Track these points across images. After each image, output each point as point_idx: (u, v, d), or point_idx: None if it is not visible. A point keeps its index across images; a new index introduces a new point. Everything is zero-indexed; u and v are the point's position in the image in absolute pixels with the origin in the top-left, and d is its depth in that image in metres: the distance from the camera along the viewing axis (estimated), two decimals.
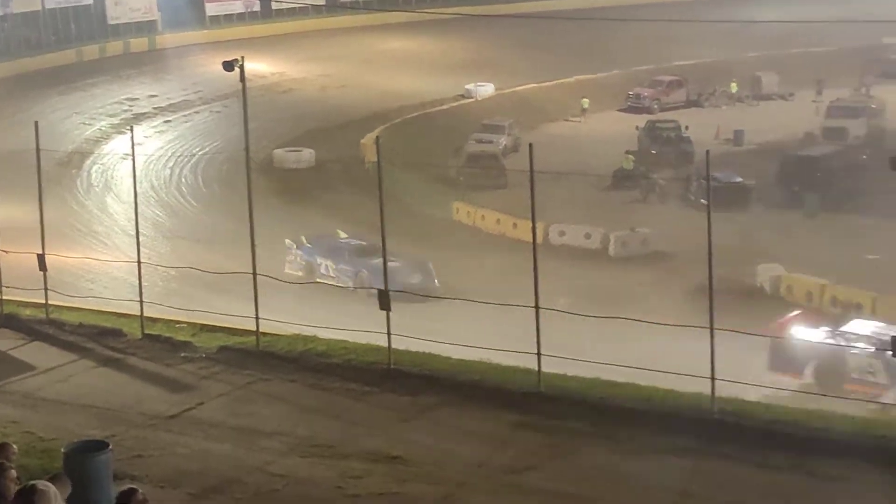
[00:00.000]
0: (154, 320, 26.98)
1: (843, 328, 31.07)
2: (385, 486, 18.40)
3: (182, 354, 24.99)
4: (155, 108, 72.43)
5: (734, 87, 79.60)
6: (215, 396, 22.78)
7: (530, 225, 23.36)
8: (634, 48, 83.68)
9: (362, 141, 60.65)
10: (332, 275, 41.41)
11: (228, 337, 25.82)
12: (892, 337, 19.81)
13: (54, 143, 45.93)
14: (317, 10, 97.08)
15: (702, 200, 39.73)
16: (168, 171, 58.57)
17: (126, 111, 71.11)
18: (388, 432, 20.78)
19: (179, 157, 61.03)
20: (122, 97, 74.18)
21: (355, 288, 38.89)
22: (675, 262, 42.84)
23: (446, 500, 18.12)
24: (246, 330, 25.63)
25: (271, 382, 23.38)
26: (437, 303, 35.34)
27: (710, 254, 21.13)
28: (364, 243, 41.98)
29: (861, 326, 31.01)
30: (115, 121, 68.36)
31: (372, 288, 37.09)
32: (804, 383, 28.12)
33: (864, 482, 18.16)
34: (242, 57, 25.87)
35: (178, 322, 27.25)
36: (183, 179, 57.62)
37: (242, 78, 25.78)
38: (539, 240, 26.20)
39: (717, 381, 20.70)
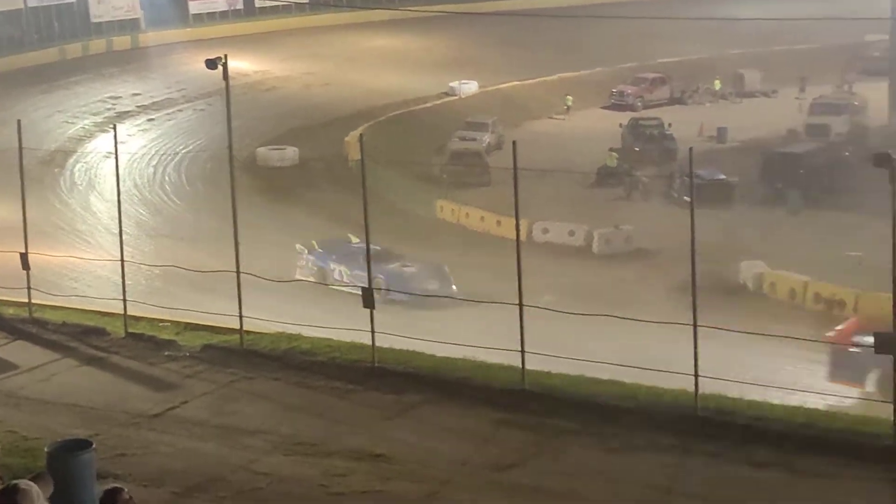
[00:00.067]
0: (137, 319, 26.91)
1: None
2: (369, 485, 18.40)
3: (166, 353, 24.95)
4: (138, 107, 72.29)
5: (718, 85, 79.73)
6: (199, 395, 22.75)
7: (514, 222, 23.34)
8: (618, 46, 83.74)
9: (346, 139, 60.63)
10: (346, 281, 40.20)
11: (212, 335, 25.78)
12: (875, 334, 19.81)
13: (37, 141, 45.92)
14: (300, 7, 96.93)
15: (685, 197, 39.81)
16: (151, 170, 58.47)
17: (109, 109, 70.97)
18: (371, 430, 20.78)
19: (163, 155, 60.93)
20: (106, 95, 74.04)
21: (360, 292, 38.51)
22: (658, 260, 42.92)
23: (430, 498, 18.12)
24: (230, 328, 25.59)
25: (255, 381, 23.36)
26: (455, 309, 34.97)
27: (693, 251, 21.17)
28: (378, 248, 41.21)
29: None
30: (99, 119, 68.21)
31: (386, 288, 37.21)
32: (866, 392, 27.80)
33: (846, 478, 18.22)
34: (225, 55, 25.83)
35: (162, 321, 27.19)
36: (166, 178, 57.53)
37: (225, 76, 25.75)
38: (523, 237, 26.20)
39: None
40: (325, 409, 21.95)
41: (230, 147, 27.16)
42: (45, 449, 15.58)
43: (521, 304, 22.96)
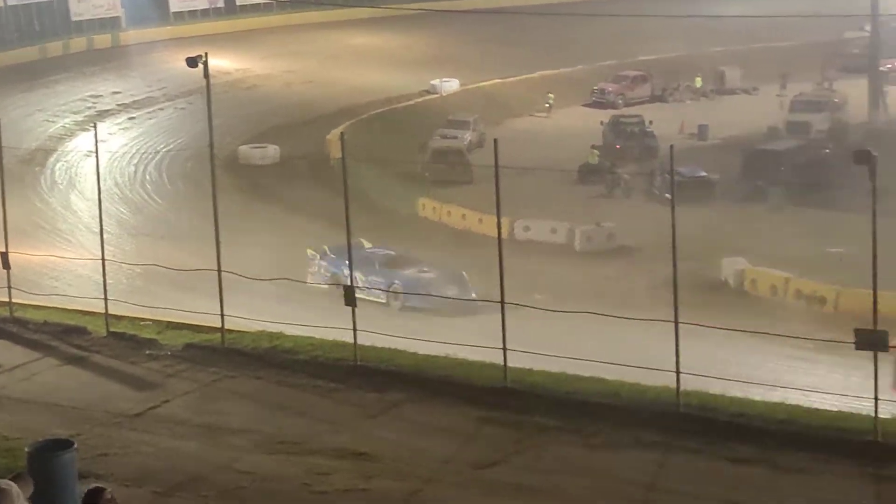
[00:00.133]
0: (119, 318, 26.89)
1: None
2: (352, 483, 18.41)
3: (147, 352, 24.93)
4: (119, 105, 72.07)
5: (699, 82, 79.81)
6: (181, 394, 22.73)
7: (496, 220, 23.36)
8: (598, 43, 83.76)
9: (327, 137, 60.55)
10: (361, 287, 39.09)
11: (194, 334, 25.76)
12: (855, 329, 19.86)
13: (17, 140, 45.72)
14: (281, 5, 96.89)
15: (666, 195, 39.79)
16: (132, 168, 58.30)
17: (90, 108, 70.75)
18: (354, 429, 20.79)
19: (144, 154, 60.77)
20: (86, 94, 73.80)
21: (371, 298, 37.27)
22: (640, 257, 42.94)
23: (413, 496, 18.13)
24: (211, 327, 25.58)
25: (237, 380, 23.35)
26: (476, 315, 34.89)
27: (674, 248, 21.21)
28: (393, 253, 40.59)
29: None
30: (79, 118, 67.99)
31: (406, 290, 36.63)
32: None
33: (827, 474, 18.29)
34: (206, 53, 25.80)
35: (143, 320, 27.17)
36: (147, 176, 57.37)
37: (206, 74, 25.72)
38: (504, 235, 26.26)
39: (686, 375, 20.80)
40: (308, 407, 21.94)
41: (211, 145, 27.14)
42: (26, 449, 15.58)
43: (503, 302, 23.02)
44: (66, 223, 49.27)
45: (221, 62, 69.42)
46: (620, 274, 42.08)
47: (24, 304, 28.14)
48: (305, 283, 38.54)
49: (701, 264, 38.08)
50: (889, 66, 75.11)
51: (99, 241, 27.96)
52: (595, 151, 59.78)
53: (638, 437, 19.79)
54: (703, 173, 54.38)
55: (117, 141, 62.86)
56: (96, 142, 31.30)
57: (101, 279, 27.15)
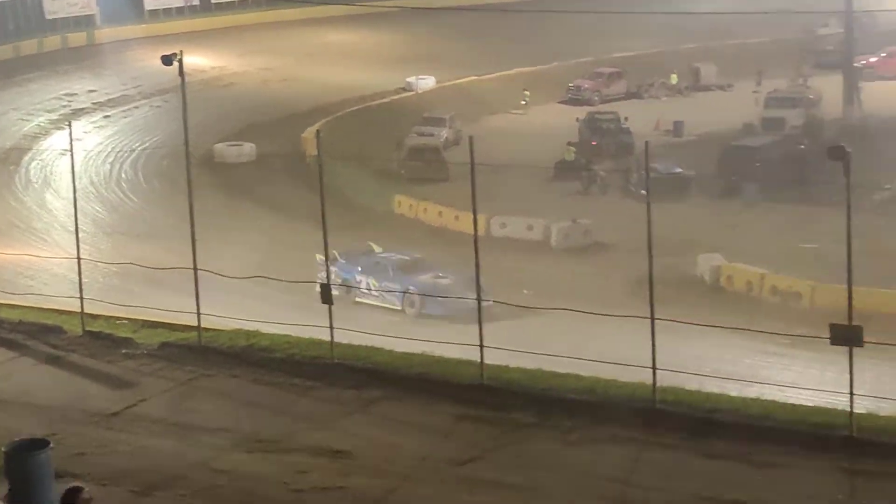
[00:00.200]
0: (95, 317, 26.82)
1: None
2: (330, 481, 18.42)
3: (123, 351, 24.87)
4: (94, 104, 71.92)
5: (674, 79, 80.00)
6: (157, 393, 22.69)
7: (472, 217, 23.40)
8: (574, 40, 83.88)
9: (303, 135, 60.49)
10: (374, 294, 39.05)
11: (170, 333, 25.72)
12: (830, 325, 19.95)
13: None
14: (257, 3, 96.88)
15: (642, 191, 39.99)
16: (108, 167, 58.19)
17: (65, 106, 70.58)
18: (332, 426, 20.79)
19: (119, 152, 60.66)
20: (61, 92, 73.62)
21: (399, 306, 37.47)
22: (616, 253, 43.05)
23: (391, 494, 18.16)
24: (187, 326, 25.54)
25: (214, 378, 23.32)
26: (496, 322, 34.75)
27: (650, 244, 21.27)
28: (407, 258, 40.10)
29: None
30: (54, 116, 67.82)
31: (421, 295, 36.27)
32: None
33: (802, 468, 18.37)
34: (181, 51, 25.75)
35: (119, 318, 27.11)
36: (123, 175, 57.27)
37: (181, 72, 25.66)
38: (481, 232, 26.27)
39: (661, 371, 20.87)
40: (285, 405, 21.94)
41: (186, 144, 27.07)
42: (3, 448, 15.53)
43: (479, 299, 23.09)
44: (41, 222, 49.15)
45: (197, 60, 69.30)
46: (596, 270, 42.19)
47: (0, 304, 28.05)
48: (290, 281, 38.39)
49: (677, 260, 38.21)
50: (863, 61, 75.46)
51: (74, 240, 27.90)
52: (571, 148, 59.87)
53: (614, 433, 19.84)
54: (679, 169, 54.54)
55: (92, 139, 62.72)
56: (71, 140, 31.18)
57: (77, 278, 27.07)
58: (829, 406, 20.89)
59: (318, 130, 36.86)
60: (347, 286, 38.70)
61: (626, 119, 65.64)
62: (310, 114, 66.78)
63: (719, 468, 18.57)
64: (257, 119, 67.25)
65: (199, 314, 24.91)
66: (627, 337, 24.16)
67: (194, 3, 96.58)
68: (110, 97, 73.27)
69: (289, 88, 75.14)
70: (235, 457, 19.47)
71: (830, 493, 17.82)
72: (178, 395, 22.68)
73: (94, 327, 26.14)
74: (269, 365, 23.64)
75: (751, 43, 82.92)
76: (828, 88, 70.02)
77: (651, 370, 20.79)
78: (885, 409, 20.38)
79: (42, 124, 66.41)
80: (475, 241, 23.14)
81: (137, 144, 62.32)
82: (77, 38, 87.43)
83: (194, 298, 24.92)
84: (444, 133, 64.83)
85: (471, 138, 22.84)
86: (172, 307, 26.74)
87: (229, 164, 59.25)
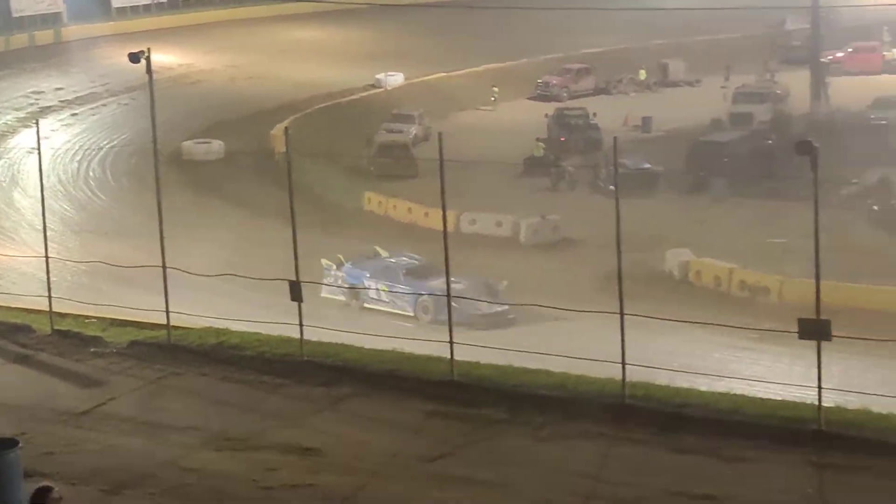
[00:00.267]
0: (63, 316, 26.72)
1: None
2: (300, 478, 18.39)
3: (92, 350, 24.78)
4: (61, 102, 71.63)
5: (643, 75, 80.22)
6: (127, 391, 22.62)
7: (441, 213, 23.41)
8: (541, 36, 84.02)
9: (272, 132, 60.43)
10: (384, 299, 38.21)
11: (139, 331, 25.64)
12: (798, 319, 20.03)
13: None
14: (224, 0, 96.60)
15: (610, 187, 40.00)
16: (76, 165, 57.99)
17: (32, 105, 70.27)
18: (301, 424, 20.76)
19: (87, 150, 60.47)
20: (28, 90, 73.28)
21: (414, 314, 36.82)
22: (585, 249, 43.15)
23: (361, 491, 18.14)
24: (157, 324, 25.47)
25: (183, 376, 23.26)
26: (513, 329, 34.42)
27: (618, 240, 21.32)
28: (416, 262, 39.24)
29: None
30: (21, 114, 67.51)
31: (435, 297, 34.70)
32: None
33: (772, 462, 18.44)
34: (148, 48, 25.68)
35: (88, 317, 27.01)
36: (91, 173, 57.07)
37: (149, 70, 25.59)
38: (450, 228, 26.29)
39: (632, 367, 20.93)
40: (255, 403, 21.90)
41: (154, 141, 27.00)
42: None
43: (448, 296, 23.12)
44: (8, 221, 48.90)
45: (165, 57, 69.10)
46: (565, 266, 42.29)
47: None
48: (259, 279, 38.22)
49: (646, 256, 38.27)
50: (830, 57, 75.81)
51: (42, 239, 27.78)
52: (540, 144, 60.01)
53: (584, 428, 19.87)
54: (648, 165, 54.70)
55: (60, 137, 62.48)
56: (38, 138, 31.08)
57: (45, 277, 26.98)
58: (797, 400, 20.99)
59: (286, 127, 36.86)
60: (353, 288, 38.41)
61: (594, 115, 65.81)
62: (278, 111, 66.71)
63: (689, 463, 18.61)
64: (225, 116, 67.11)
65: (168, 312, 24.85)
66: (597, 333, 24.23)
67: (161, 1, 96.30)
68: (78, 95, 72.99)
69: (256, 86, 75.01)
70: (204, 455, 19.42)
71: (800, 486, 17.89)
72: (148, 393, 22.62)
73: (63, 326, 26.05)
74: (238, 363, 23.59)
75: (719, 39, 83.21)
76: (795, 84, 70.36)
77: (621, 366, 20.84)
78: (853, 402, 20.45)
79: (9, 122, 66.10)
80: (444, 238, 23.14)
81: (105, 142, 62.11)
82: (44, 35, 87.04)
83: (163, 296, 24.86)
84: (414, 130, 64.84)
85: (440, 135, 22.85)
86: (141, 305, 26.67)
87: (197, 161, 59.10)
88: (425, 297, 36.67)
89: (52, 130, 63.02)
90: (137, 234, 37.23)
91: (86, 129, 66.40)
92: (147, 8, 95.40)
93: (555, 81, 78.06)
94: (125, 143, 59.26)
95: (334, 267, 39.58)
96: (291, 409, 21.49)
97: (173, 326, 24.96)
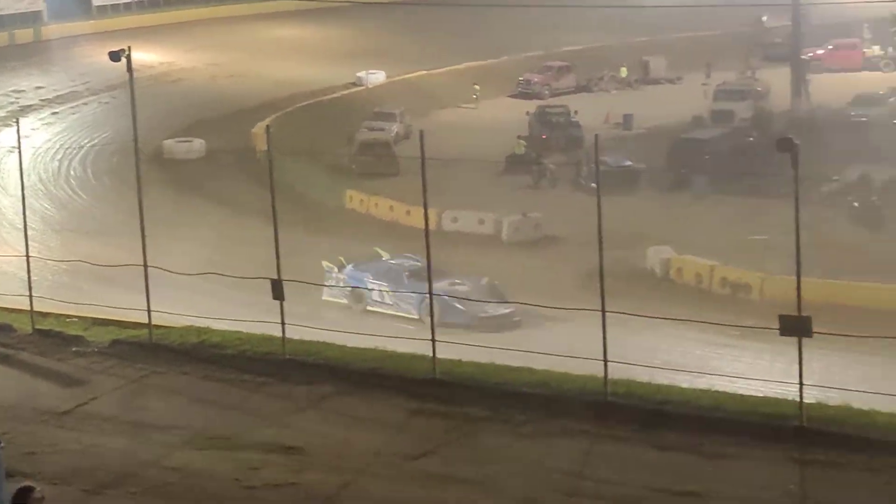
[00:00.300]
0: (45, 315, 26.65)
1: None
2: (282, 477, 18.38)
3: (74, 349, 24.73)
4: (42, 100, 71.47)
5: (624, 72, 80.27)
6: (108, 391, 22.59)
7: (423, 211, 23.41)
8: (524, 34, 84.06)
9: (253, 130, 60.33)
10: (388, 302, 37.27)
11: (121, 330, 25.59)
12: (779, 316, 20.09)
13: None
14: None
15: (592, 184, 39.99)
16: (56, 164, 57.85)
17: (12, 103, 70.10)
18: (284, 423, 20.75)
19: (68, 149, 60.33)
20: (9, 89, 73.09)
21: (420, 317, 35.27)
22: (566, 246, 43.15)
23: (344, 489, 18.14)
24: (138, 323, 25.42)
25: (165, 375, 23.23)
26: (519, 332, 34.17)
27: (600, 237, 21.35)
28: (419, 263, 37.42)
29: None
30: (1, 113, 67.34)
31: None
32: None
33: (753, 459, 18.49)
34: (129, 47, 25.65)
35: (70, 316, 26.95)
36: (72, 172, 56.94)
37: (129, 68, 25.56)
38: (432, 226, 26.28)
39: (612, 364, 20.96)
40: (237, 402, 21.88)
41: (135, 140, 26.94)
42: None
43: (430, 294, 23.12)
44: None
45: (145, 56, 69.03)
46: (547, 264, 42.30)
47: None
48: (241, 277, 38.12)
49: (627, 253, 38.31)
50: (811, 54, 76.01)
51: (23, 238, 27.71)
52: (522, 142, 60.06)
53: (566, 426, 19.90)
54: (629, 162, 54.67)
55: (40, 136, 62.36)
56: (19, 137, 31.07)
57: (26, 276, 26.92)
58: (779, 396, 21.04)
59: (267, 126, 36.81)
60: (356, 287, 37.76)
61: (575, 112, 65.85)
62: (259, 109, 66.62)
63: (671, 460, 18.66)
64: (206, 115, 67.00)
65: (149, 311, 24.81)
66: (579, 330, 24.27)
67: None
68: (58, 94, 72.84)
69: (237, 84, 74.92)
70: (187, 454, 19.40)
71: (782, 483, 17.94)
72: (129, 392, 22.58)
73: (44, 325, 25.99)
74: (220, 361, 23.57)
75: (700, 36, 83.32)
76: (776, 81, 70.50)
77: (602, 363, 20.87)
78: (835, 398, 20.54)
79: None
80: (426, 236, 23.16)
81: (86, 141, 61.94)
82: (24, 34, 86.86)
83: (144, 295, 24.82)
84: (395, 128, 64.82)
85: (421, 133, 22.85)
86: (123, 304, 26.59)
87: (179, 160, 59.01)
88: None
89: (33, 129, 62.91)
90: (118, 232, 37.21)
91: (66, 127, 66.27)
92: (128, 6, 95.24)
93: (536, 79, 78.10)
94: (106, 142, 59.10)
95: (335, 269, 38.90)
96: (274, 408, 21.47)
97: (155, 325, 24.92)
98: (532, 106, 68.78)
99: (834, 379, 24.08)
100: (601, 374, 20.89)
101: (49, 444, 19.85)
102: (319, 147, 55.34)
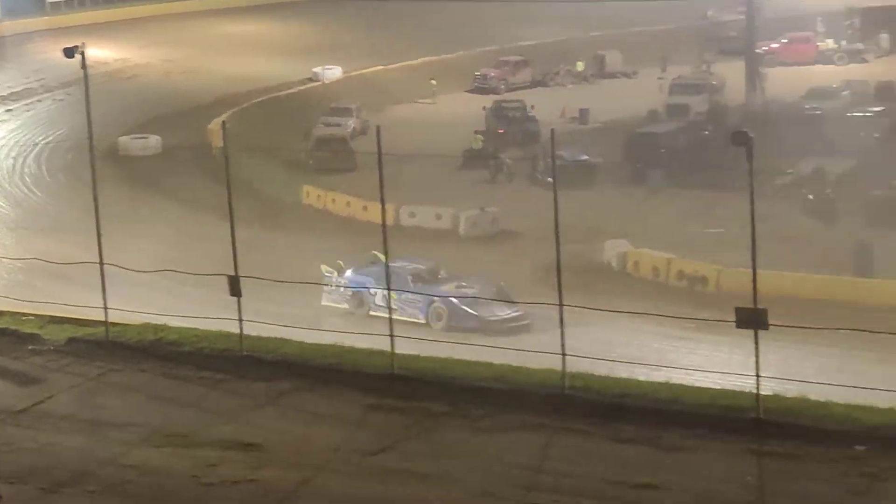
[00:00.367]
0: (0, 313, 26.49)
1: None
2: (241, 474, 18.33)
3: (30, 347, 24.60)
4: None
5: (580, 66, 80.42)
6: (65, 389, 22.48)
7: (380, 207, 23.40)
8: (479, 29, 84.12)
9: (209, 126, 60.13)
10: (393, 307, 36.19)
11: (77, 328, 25.45)
12: (735, 308, 20.19)
13: None
14: None
15: (549, 179, 40.11)
16: (11, 161, 57.53)
17: None
18: (242, 419, 20.70)
19: (22, 146, 59.99)
20: None
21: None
22: (523, 241, 43.27)
23: (303, 486, 18.11)
24: (95, 321, 25.29)
25: (122, 373, 23.13)
26: (534, 335, 33.86)
27: (557, 231, 21.39)
28: (422, 266, 37.86)
29: None
30: None
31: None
32: None
33: (711, 451, 18.57)
34: (83, 43, 25.52)
35: (25, 314, 26.79)
36: (26, 169, 56.63)
37: (84, 65, 25.43)
38: (390, 221, 26.35)
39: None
40: (195, 399, 21.81)
41: (90, 137, 26.82)
42: None
43: (389, 289, 23.11)
44: None
45: (100, 52, 68.68)
46: (505, 258, 42.36)
47: None
48: (198, 274, 37.87)
49: (584, 247, 38.45)
50: (765, 48, 76.39)
51: None
52: (479, 137, 60.13)
53: (525, 420, 19.93)
54: (585, 157, 54.85)
55: None
56: None
57: None
58: (736, 389, 21.12)
59: (223, 122, 36.65)
60: (360, 289, 36.76)
61: (532, 107, 65.97)
62: (215, 105, 66.45)
63: (629, 453, 18.71)
64: (161, 111, 66.74)
65: (106, 309, 24.69)
66: (535, 323, 24.32)
67: None
68: (12, 90, 72.40)
69: (193, 80, 74.63)
70: (144, 452, 19.33)
71: (740, 475, 18.02)
72: (86, 390, 22.48)
73: (0, 324, 25.81)
74: (177, 359, 23.48)
75: (656, 30, 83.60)
76: (731, 75, 70.81)
77: (560, 356, 20.91)
78: (791, 390, 20.62)
79: None
80: (384, 231, 23.17)
81: (41, 138, 61.63)
82: None
83: (101, 293, 24.70)
84: (352, 123, 64.80)
85: (378, 128, 22.83)
86: (79, 302, 26.46)
87: (134, 157, 58.77)
88: (438, 303, 35.45)
89: None
90: (74, 230, 37.01)
91: (21, 125, 65.89)
92: (82, 2, 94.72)
93: (492, 74, 78.16)
94: (61, 139, 58.85)
95: (335, 273, 38.10)
96: (231, 405, 21.42)
97: (111, 323, 24.81)
98: (489, 101, 68.88)
99: (791, 371, 24.24)
100: (559, 368, 20.94)
101: (5, 443, 19.74)
102: (276, 143, 55.25)
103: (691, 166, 52.37)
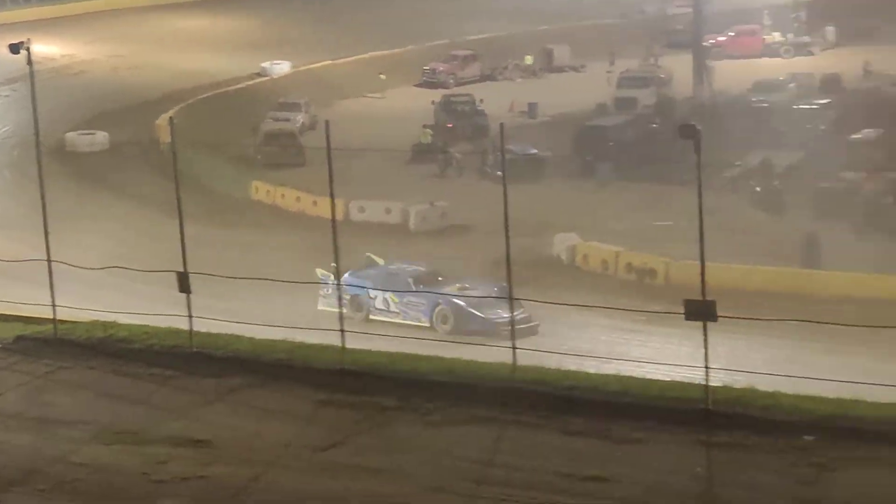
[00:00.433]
0: None
1: None
2: (191, 471, 18.30)
3: None
4: None
5: (528, 60, 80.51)
6: (13, 387, 22.35)
7: (330, 202, 23.38)
8: (428, 23, 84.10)
9: (157, 122, 59.84)
10: (394, 310, 35.60)
11: (25, 326, 25.32)
12: (684, 300, 20.31)
13: None
14: None
15: (498, 173, 40.13)
16: None
17: None
18: (192, 416, 20.66)
19: None
20: None
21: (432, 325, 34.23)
22: (473, 235, 43.32)
23: (254, 482, 18.09)
24: (43, 318, 25.14)
25: (71, 370, 23.02)
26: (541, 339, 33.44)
27: (506, 225, 21.47)
28: (422, 268, 37.06)
29: None
30: None
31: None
32: None
33: (661, 443, 18.67)
34: (29, 39, 25.36)
35: None
36: None
37: (30, 61, 25.26)
38: (340, 216, 26.32)
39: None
40: (145, 396, 21.73)
41: (37, 133, 26.66)
42: None
43: (339, 284, 23.09)
44: None
45: (46, 48, 68.11)
46: (455, 252, 42.38)
47: None
48: (146, 271, 37.66)
49: (534, 241, 38.49)
50: (712, 41, 76.78)
51: None
52: (428, 131, 60.12)
53: (474, 413, 19.97)
54: (534, 151, 54.97)
55: None
56: None
57: None
58: (685, 380, 21.24)
59: (171, 117, 36.41)
60: (351, 297, 35.18)
61: (481, 101, 66.02)
62: (162, 101, 66.09)
63: (579, 445, 18.79)
64: (108, 107, 66.37)
65: (54, 306, 24.56)
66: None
67: None
68: None
69: (140, 76, 74.24)
70: (94, 449, 19.25)
71: (689, 466, 18.14)
72: (35, 388, 22.36)
73: None
74: (127, 356, 23.38)
75: (604, 24, 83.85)
76: (678, 68, 71.11)
77: (511, 350, 20.97)
78: (740, 381, 20.76)
79: None
80: (333, 226, 23.15)
81: None
82: None
83: (48, 290, 24.56)
84: (300, 118, 64.66)
85: (327, 123, 22.84)
86: (26, 300, 26.31)
87: (81, 153, 58.42)
88: (443, 305, 34.74)
89: None
90: (20, 226, 36.73)
91: None
92: None
93: (441, 68, 78.16)
94: (6, 136, 58.44)
95: (331, 277, 35.77)
96: (181, 402, 21.36)
97: (60, 320, 24.67)
98: (438, 95, 68.81)
99: (739, 362, 24.38)
100: (510, 361, 21.00)
101: None
102: (224, 138, 55.01)
103: (640, 159, 52.59)
